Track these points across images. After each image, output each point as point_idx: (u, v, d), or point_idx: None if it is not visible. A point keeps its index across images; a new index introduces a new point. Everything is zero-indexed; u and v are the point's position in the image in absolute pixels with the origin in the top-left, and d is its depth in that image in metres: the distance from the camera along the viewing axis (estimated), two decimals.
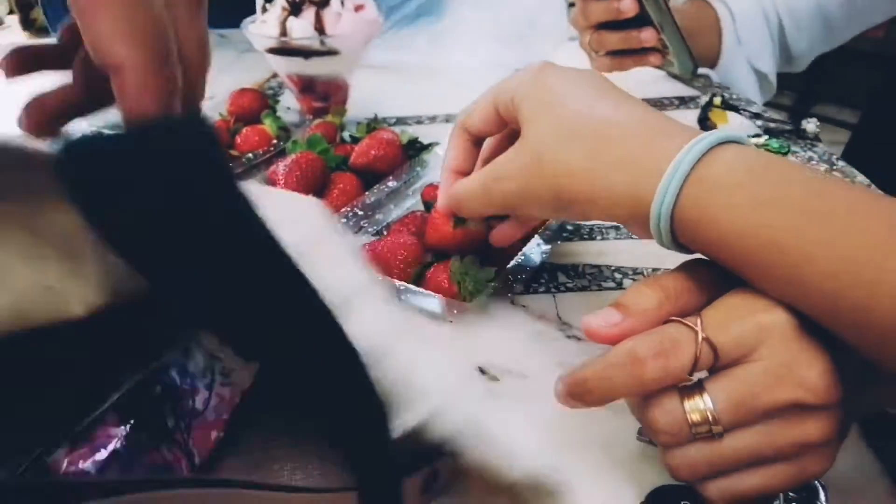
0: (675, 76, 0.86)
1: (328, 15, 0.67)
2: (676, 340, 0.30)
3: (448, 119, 0.80)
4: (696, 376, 0.30)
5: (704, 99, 0.75)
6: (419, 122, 0.80)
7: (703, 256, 0.34)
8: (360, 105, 0.81)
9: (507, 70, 0.90)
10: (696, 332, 0.29)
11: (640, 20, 0.72)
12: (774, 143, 0.69)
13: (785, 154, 0.68)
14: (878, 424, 0.39)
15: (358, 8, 0.69)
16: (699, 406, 0.29)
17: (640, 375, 0.30)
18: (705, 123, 0.74)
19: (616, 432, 0.39)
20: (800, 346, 0.29)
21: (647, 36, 0.72)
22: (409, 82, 0.88)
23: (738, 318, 0.30)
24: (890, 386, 0.32)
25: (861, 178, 0.65)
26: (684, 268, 0.34)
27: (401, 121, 0.80)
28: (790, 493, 0.33)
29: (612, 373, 0.31)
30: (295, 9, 0.66)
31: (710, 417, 0.29)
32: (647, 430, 0.32)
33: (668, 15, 0.71)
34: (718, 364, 0.30)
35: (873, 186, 0.63)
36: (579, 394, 0.32)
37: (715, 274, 0.33)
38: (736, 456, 0.30)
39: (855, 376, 0.30)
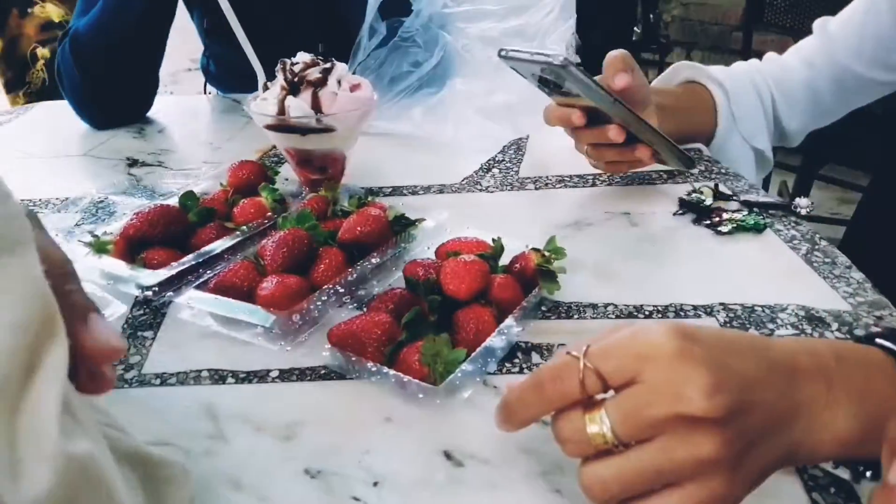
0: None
1: (324, 94, 0.70)
2: (566, 367, 0.36)
3: (442, 190, 0.82)
4: (602, 397, 0.36)
5: (697, 185, 0.77)
6: (414, 192, 0.82)
7: None
8: (358, 173, 0.85)
9: (495, 142, 0.93)
10: (578, 360, 0.35)
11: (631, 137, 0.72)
12: (750, 220, 0.70)
13: (761, 230, 0.70)
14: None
15: (354, 87, 0.73)
16: (597, 420, 0.35)
17: (543, 396, 0.37)
18: (692, 195, 0.75)
19: None
20: (679, 366, 0.33)
21: (642, 154, 0.73)
22: (405, 152, 0.91)
23: (619, 348, 0.35)
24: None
25: (842, 258, 0.66)
26: None
27: (396, 190, 0.83)
28: None
29: (525, 397, 0.38)
30: (293, 88, 0.70)
31: (606, 429, 0.34)
32: (556, 440, 0.37)
33: (654, 132, 0.71)
34: (609, 387, 0.35)
35: (853, 268, 0.64)
36: (507, 417, 0.39)
37: None
38: (640, 469, 0.34)
39: (771, 409, 0.35)
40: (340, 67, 0.72)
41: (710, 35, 3.19)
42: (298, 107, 0.69)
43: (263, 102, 0.72)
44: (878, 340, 0.40)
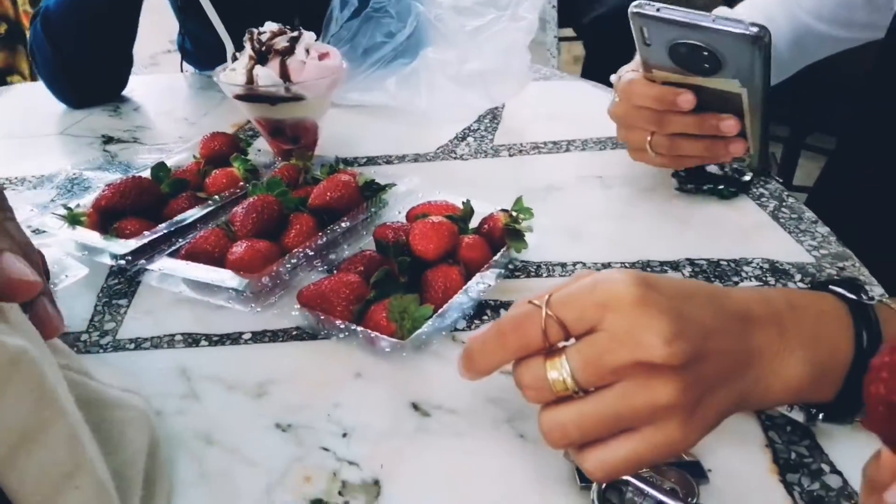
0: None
1: (293, 63, 0.70)
2: (528, 315, 0.36)
3: (417, 158, 0.83)
4: (563, 344, 0.36)
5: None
6: (389, 161, 0.83)
7: None
8: (332, 145, 0.85)
9: (470, 110, 0.93)
10: (540, 309, 0.35)
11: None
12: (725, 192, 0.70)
13: (728, 196, 0.70)
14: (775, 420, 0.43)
15: (322, 56, 0.73)
16: (557, 366, 0.35)
17: (505, 345, 0.37)
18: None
19: (545, 469, 0.41)
20: (640, 314, 0.33)
21: (736, 149, 0.62)
22: (379, 122, 0.92)
23: (580, 297, 0.35)
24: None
25: (808, 213, 0.67)
26: None
27: (371, 160, 0.83)
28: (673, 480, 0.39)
29: (487, 345, 0.38)
30: (261, 58, 0.70)
31: (566, 375, 0.34)
32: (518, 386, 0.37)
33: (766, 128, 0.61)
34: (572, 335, 0.35)
35: (819, 222, 0.65)
36: (470, 365, 0.39)
37: None
38: (598, 414, 0.34)
39: (727, 357, 0.35)
40: (308, 36, 0.72)
41: (695, 4, 3.17)
42: (267, 76, 0.69)
43: (232, 73, 0.72)
44: (831, 287, 0.41)
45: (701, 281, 0.56)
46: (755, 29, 0.52)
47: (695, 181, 0.71)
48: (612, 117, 0.68)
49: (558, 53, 2.28)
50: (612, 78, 0.67)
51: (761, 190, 0.72)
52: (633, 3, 0.56)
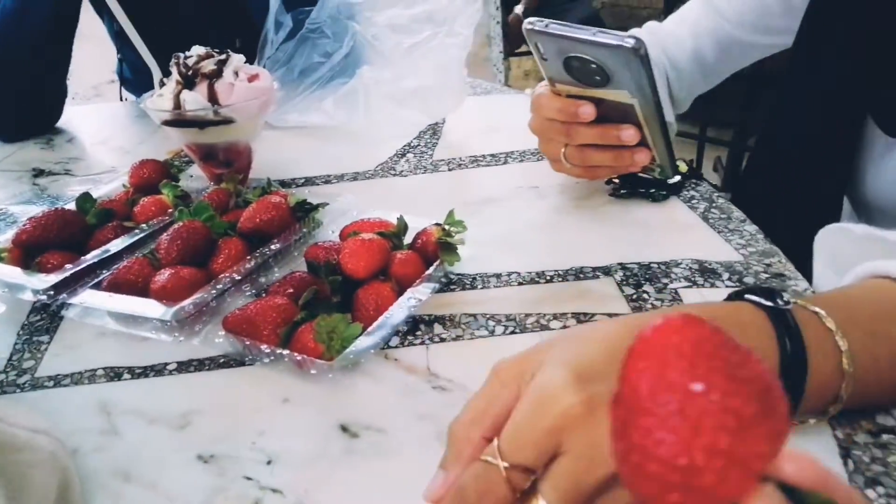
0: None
1: (220, 86, 0.69)
2: (488, 478, 0.31)
3: (356, 177, 0.82)
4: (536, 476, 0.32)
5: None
6: (327, 181, 0.82)
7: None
8: (268, 168, 0.84)
9: (409, 127, 0.93)
10: (497, 466, 0.31)
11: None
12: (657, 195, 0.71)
13: (659, 199, 0.71)
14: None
15: (252, 78, 0.72)
16: None
17: None
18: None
19: None
20: (594, 424, 0.30)
21: (641, 158, 0.64)
22: (317, 143, 0.91)
23: (528, 431, 0.31)
24: None
25: (737, 213, 0.68)
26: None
27: (309, 181, 0.82)
28: None
29: None
30: (188, 82, 0.69)
31: None
32: None
33: (667, 136, 0.63)
34: (536, 471, 0.31)
35: (747, 221, 0.66)
36: None
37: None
38: None
39: None
40: (237, 58, 0.71)
41: (639, 19, 3.25)
42: (194, 100, 0.68)
43: (159, 98, 0.71)
44: (747, 296, 0.40)
45: (613, 320, 0.50)
46: (631, 41, 0.54)
47: (627, 187, 0.72)
48: (531, 131, 0.69)
49: (507, 69, 2.31)
50: (527, 91, 0.68)
51: (692, 192, 0.73)
52: (526, 21, 0.58)
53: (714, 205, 0.70)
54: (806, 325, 0.38)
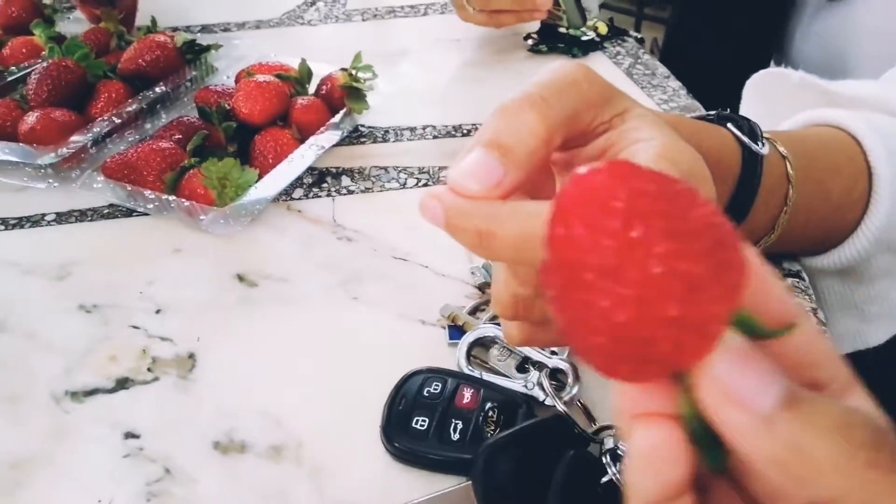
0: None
1: None
2: None
3: (259, 25, 0.75)
4: None
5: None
6: (226, 29, 0.75)
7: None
8: (159, 13, 0.74)
9: None
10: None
11: None
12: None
13: (577, 56, 0.68)
14: None
15: None
16: None
17: None
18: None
19: (386, 326, 0.39)
20: None
21: (544, 2, 0.64)
22: None
23: None
24: None
25: (662, 69, 0.66)
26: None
27: (206, 28, 0.75)
28: None
29: None
30: None
31: None
32: None
33: None
34: None
35: (671, 77, 0.65)
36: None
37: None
38: None
39: None
40: None
41: None
42: None
43: None
44: (730, 127, 0.35)
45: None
46: None
47: (546, 42, 0.69)
48: None
49: None
50: None
51: (618, 48, 0.70)
52: None
53: (639, 61, 0.68)
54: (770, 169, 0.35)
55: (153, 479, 0.32)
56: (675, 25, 0.84)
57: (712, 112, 0.37)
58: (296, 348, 0.38)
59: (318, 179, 0.51)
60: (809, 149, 0.38)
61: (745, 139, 0.35)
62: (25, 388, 0.36)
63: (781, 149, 0.36)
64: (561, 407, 0.33)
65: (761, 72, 0.50)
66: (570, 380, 0.35)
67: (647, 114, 0.26)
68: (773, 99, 0.48)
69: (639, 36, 0.73)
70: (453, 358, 0.37)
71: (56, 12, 0.66)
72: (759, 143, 0.35)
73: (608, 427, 0.33)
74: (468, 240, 0.22)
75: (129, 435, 0.34)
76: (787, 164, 0.36)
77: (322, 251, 0.45)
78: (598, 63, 0.67)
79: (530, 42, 0.70)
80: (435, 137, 0.57)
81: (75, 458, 0.33)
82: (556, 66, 0.25)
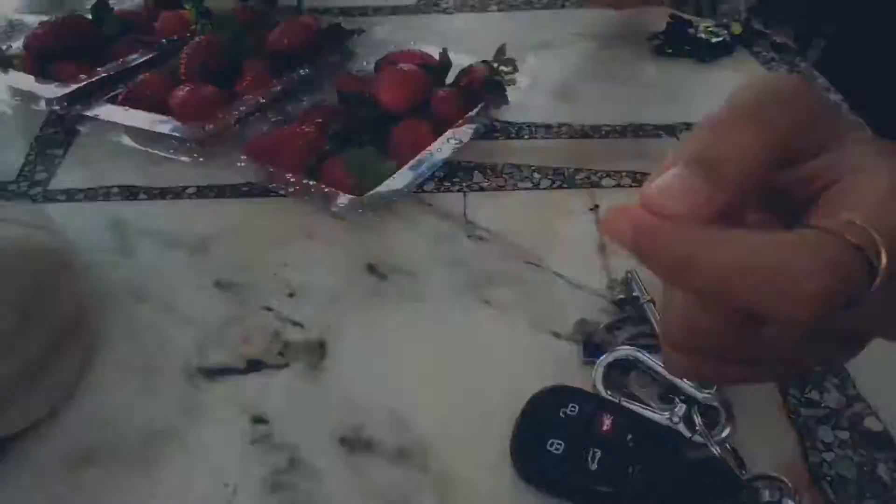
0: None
1: None
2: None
3: (395, 11, 0.75)
4: None
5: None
6: (364, 13, 0.74)
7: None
8: None
9: None
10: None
11: None
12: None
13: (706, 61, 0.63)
14: None
15: None
16: None
17: None
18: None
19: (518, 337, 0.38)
20: None
21: None
22: None
23: None
24: None
25: (821, 79, 0.60)
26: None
27: (345, 11, 0.75)
28: None
29: None
30: None
31: None
32: None
33: None
34: None
35: (832, 89, 0.59)
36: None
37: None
38: None
39: None
40: None
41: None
42: None
43: None
44: None
45: None
46: None
47: (671, 43, 0.65)
48: None
49: None
50: None
51: (772, 54, 0.65)
52: None
53: (796, 69, 0.62)
54: None
55: (278, 468, 0.31)
56: (835, 36, 0.76)
57: None
58: (424, 348, 0.37)
59: (450, 173, 0.50)
60: None
61: None
62: (160, 360, 0.37)
63: None
64: (715, 448, 0.30)
65: None
66: (722, 419, 0.32)
67: (867, 138, 0.23)
68: None
69: (778, 41, 0.67)
70: (585, 376, 0.35)
71: None
72: None
73: (764, 477, 0.30)
74: (662, 264, 0.20)
75: (258, 420, 0.34)
76: None
77: (452, 248, 0.44)
78: (750, 72, 0.62)
79: (656, 43, 0.65)
80: (571, 137, 0.54)
81: (204, 437, 0.33)
82: (771, 78, 0.22)
